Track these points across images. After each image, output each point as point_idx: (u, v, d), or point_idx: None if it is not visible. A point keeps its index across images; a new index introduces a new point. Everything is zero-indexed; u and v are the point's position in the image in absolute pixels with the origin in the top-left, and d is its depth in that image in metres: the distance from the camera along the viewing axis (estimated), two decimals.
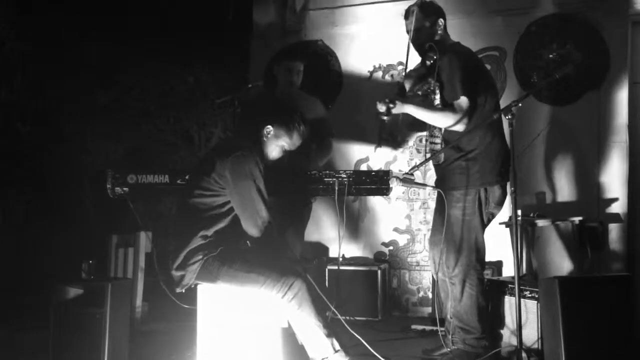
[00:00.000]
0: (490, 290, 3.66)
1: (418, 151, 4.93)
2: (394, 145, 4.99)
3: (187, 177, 3.22)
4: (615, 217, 4.33)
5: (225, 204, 2.91)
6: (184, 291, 2.94)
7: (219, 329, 2.88)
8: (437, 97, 3.29)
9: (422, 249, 4.82)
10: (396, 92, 3.36)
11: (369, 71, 5.11)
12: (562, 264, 4.00)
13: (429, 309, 4.63)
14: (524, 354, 2.83)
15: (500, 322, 3.58)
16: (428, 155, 3.43)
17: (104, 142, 5.41)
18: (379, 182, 3.16)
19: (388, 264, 4.84)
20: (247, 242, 2.96)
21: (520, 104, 2.92)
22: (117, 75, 5.51)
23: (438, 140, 3.40)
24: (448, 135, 3.30)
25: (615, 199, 4.36)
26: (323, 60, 5.21)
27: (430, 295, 4.66)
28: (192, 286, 2.92)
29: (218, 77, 5.55)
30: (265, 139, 3.04)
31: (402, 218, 4.94)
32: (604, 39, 4.46)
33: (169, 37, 5.33)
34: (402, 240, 4.93)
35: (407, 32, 3.44)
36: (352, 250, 4.98)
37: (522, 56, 4.68)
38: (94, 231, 4.56)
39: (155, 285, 3.37)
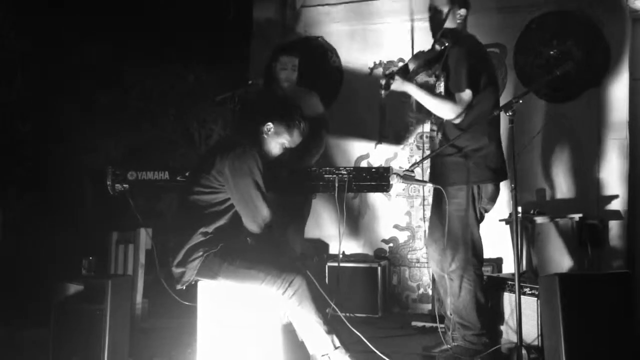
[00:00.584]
0: (490, 287, 3.67)
1: (418, 148, 4.92)
2: (395, 141, 4.99)
3: (187, 174, 3.23)
4: (615, 214, 4.33)
5: (225, 201, 2.91)
6: (184, 288, 2.95)
7: (219, 326, 2.88)
8: (442, 85, 3.29)
9: (422, 246, 4.82)
10: (399, 68, 3.35)
11: (369, 68, 5.11)
12: (562, 261, 3.99)
13: (429, 306, 4.64)
14: (524, 351, 2.83)
15: (500, 319, 3.58)
16: (427, 152, 3.44)
17: (105, 140, 5.41)
18: (379, 178, 3.16)
19: (388, 260, 4.84)
20: (248, 239, 2.97)
21: (520, 101, 2.92)
22: (118, 74, 5.51)
23: (434, 128, 3.41)
24: (448, 128, 3.29)
25: (616, 196, 4.36)
26: (323, 57, 5.21)
27: (430, 292, 4.66)
28: (193, 283, 2.93)
29: (218, 76, 5.54)
30: (265, 136, 3.04)
31: (402, 215, 4.94)
32: (604, 36, 4.46)
33: (170, 36, 5.33)
34: (402, 237, 4.93)
35: (429, 9, 3.41)
36: (352, 247, 4.99)
37: (523, 53, 4.68)
38: (94, 228, 4.56)
39: (155, 282, 3.38)
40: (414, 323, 4.19)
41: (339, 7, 5.19)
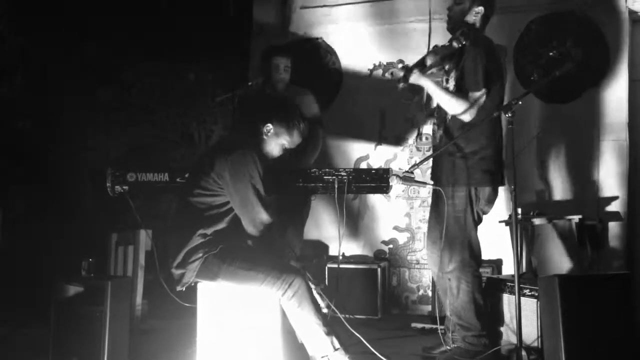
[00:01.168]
0: (490, 289, 3.67)
1: (418, 149, 4.93)
2: (394, 143, 4.99)
3: (186, 175, 3.22)
4: (615, 216, 4.33)
5: (224, 204, 2.90)
6: (184, 289, 2.94)
7: (219, 327, 2.88)
8: (451, 81, 3.29)
9: (421, 247, 4.82)
10: (417, 62, 3.35)
11: (369, 69, 5.11)
12: (561, 262, 3.99)
13: (429, 307, 4.64)
14: (523, 352, 2.83)
15: (500, 320, 3.58)
16: (427, 152, 3.44)
17: (105, 140, 5.41)
18: (379, 180, 3.16)
19: (388, 262, 4.84)
20: (248, 241, 2.96)
21: (520, 102, 2.92)
22: (118, 73, 5.51)
23: (436, 122, 3.41)
24: (452, 126, 3.29)
25: (615, 197, 4.36)
26: (323, 58, 5.21)
27: (430, 293, 4.66)
28: (192, 284, 2.92)
29: (218, 76, 5.54)
30: (265, 137, 3.04)
31: (402, 216, 4.94)
32: (604, 37, 4.47)
33: (170, 35, 5.33)
34: (402, 238, 4.93)
35: (456, 2, 3.41)
36: (352, 248, 4.99)
37: (522, 54, 4.68)
38: (94, 229, 4.56)
39: (155, 283, 3.38)
40: (413, 324, 4.19)
41: (338, 8, 5.19)
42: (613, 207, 4.35)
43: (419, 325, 4.13)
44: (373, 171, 3.23)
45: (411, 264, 4.88)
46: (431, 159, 3.43)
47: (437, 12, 4.73)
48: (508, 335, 3.55)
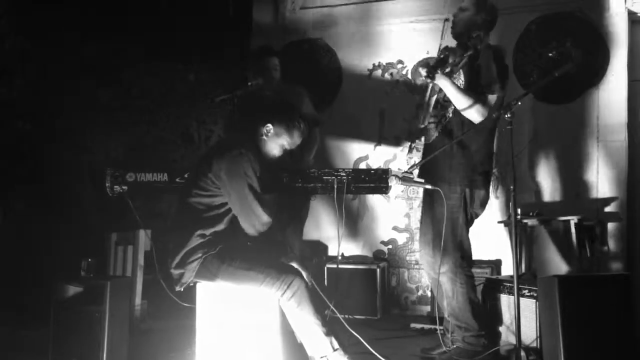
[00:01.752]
0: (489, 289, 3.67)
1: (417, 149, 4.93)
2: (394, 143, 4.99)
3: (186, 175, 3.23)
4: (614, 216, 4.33)
5: (223, 205, 2.91)
6: (182, 289, 2.94)
7: (218, 328, 2.88)
8: (461, 81, 3.30)
9: (422, 247, 4.82)
10: (438, 60, 3.35)
11: (368, 69, 5.12)
12: (560, 263, 4.00)
13: (428, 308, 4.64)
14: (522, 353, 2.83)
15: (499, 321, 3.59)
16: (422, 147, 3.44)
17: (104, 140, 5.41)
18: (378, 180, 3.16)
19: (387, 262, 4.84)
20: (248, 243, 2.96)
21: (519, 103, 2.92)
22: (117, 74, 5.51)
23: (433, 120, 3.41)
24: (452, 124, 3.30)
25: (614, 198, 4.36)
26: (323, 58, 5.21)
27: (429, 293, 4.67)
28: (192, 284, 2.93)
29: (218, 75, 5.54)
30: (265, 137, 3.04)
31: (401, 217, 4.94)
32: (603, 37, 4.47)
33: (169, 36, 5.33)
34: (401, 238, 4.93)
35: (461, 9, 3.43)
36: (351, 248, 4.99)
37: (522, 54, 4.68)
38: (94, 229, 4.56)
39: (154, 284, 3.38)
40: (412, 325, 4.19)
41: (338, 8, 5.20)
42: (612, 207, 4.35)
43: (418, 326, 4.13)
44: (372, 171, 3.22)
45: (410, 264, 4.88)
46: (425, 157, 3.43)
47: (434, 12, 4.74)
48: (507, 336, 3.55)
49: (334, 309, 2.97)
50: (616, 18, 4.45)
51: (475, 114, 3.20)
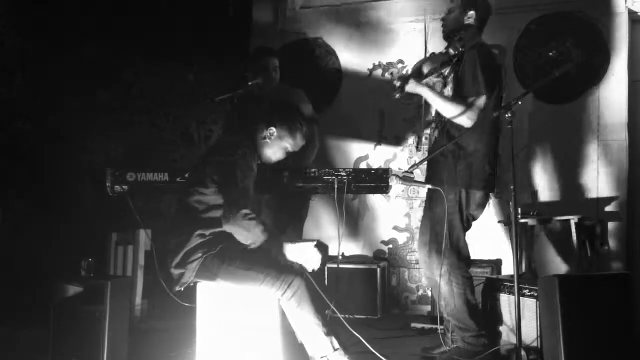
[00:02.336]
0: (489, 289, 3.67)
1: (418, 149, 4.93)
2: (394, 143, 5.00)
3: (186, 175, 3.23)
4: (614, 216, 4.33)
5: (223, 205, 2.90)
6: (183, 289, 2.94)
7: (218, 328, 2.88)
8: (448, 88, 3.29)
9: (421, 248, 4.82)
10: (413, 71, 3.36)
11: (368, 69, 5.12)
12: (561, 262, 4.00)
13: (429, 307, 4.64)
14: (523, 353, 2.83)
15: (500, 321, 3.58)
16: (427, 153, 3.44)
17: (104, 140, 5.40)
18: (378, 180, 3.16)
19: (387, 262, 4.84)
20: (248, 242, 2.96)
21: (520, 102, 2.92)
22: (117, 74, 5.50)
23: (434, 126, 3.41)
24: (451, 128, 3.29)
25: (615, 198, 4.36)
26: (323, 58, 5.21)
27: (429, 293, 4.67)
28: (192, 284, 2.92)
29: (218, 75, 5.54)
30: (268, 140, 3.02)
31: (402, 216, 4.94)
32: (603, 37, 4.47)
33: (169, 36, 5.33)
34: (401, 238, 4.93)
35: (448, 11, 3.42)
36: (351, 248, 4.99)
37: (522, 54, 4.68)
38: (94, 229, 4.55)
39: (155, 284, 3.38)
40: (413, 324, 4.19)
41: (339, 8, 5.20)
42: (612, 207, 4.36)
43: (419, 326, 4.13)
44: (373, 171, 3.23)
45: (411, 264, 4.88)
46: (427, 162, 3.44)
47: (436, 12, 4.74)
48: (507, 336, 3.55)
49: (334, 308, 2.97)
50: (617, 18, 4.45)
51: (464, 119, 3.17)
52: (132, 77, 5.58)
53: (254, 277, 2.81)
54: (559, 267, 3.99)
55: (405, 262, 4.91)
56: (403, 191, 4.93)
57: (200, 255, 2.84)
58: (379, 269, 4.57)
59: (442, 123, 3.34)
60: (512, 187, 2.90)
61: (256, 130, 3.04)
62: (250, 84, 3.84)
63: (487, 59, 3.24)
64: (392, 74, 5.04)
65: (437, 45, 4.09)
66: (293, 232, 3.92)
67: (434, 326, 3.54)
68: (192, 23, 5.38)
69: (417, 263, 4.84)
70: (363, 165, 5.03)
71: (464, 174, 3.23)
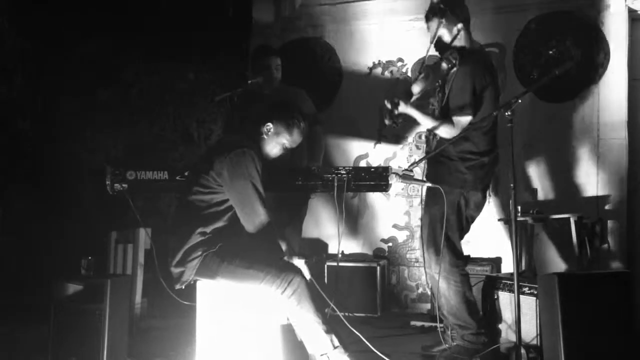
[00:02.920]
0: (489, 287, 3.67)
1: (417, 147, 4.93)
2: (394, 141, 5.00)
3: (186, 173, 3.23)
4: (614, 214, 4.33)
5: (223, 202, 2.90)
6: (183, 288, 2.94)
7: (218, 326, 2.88)
8: (436, 101, 3.32)
9: (421, 246, 4.82)
10: (402, 92, 3.37)
11: (368, 67, 5.12)
12: (560, 260, 4.00)
13: (428, 305, 4.64)
14: (522, 350, 2.83)
15: (499, 318, 3.59)
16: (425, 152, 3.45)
17: (104, 139, 5.41)
18: (378, 178, 3.16)
19: (387, 260, 4.84)
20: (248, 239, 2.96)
21: (519, 101, 2.92)
22: (117, 73, 5.51)
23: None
24: None
25: (615, 196, 4.36)
26: (323, 56, 5.21)
27: (429, 291, 4.66)
28: (192, 282, 2.92)
29: (218, 75, 5.55)
30: (265, 136, 3.03)
31: (401, 214, 4.94)
32: (603, 36, 4.47)
33: (169, 36, 5.33)
34: (401, 236, 4.94)
35: (429, 30, 3.39)
36: (351, 246, 4.99)
37: (522, 53, 4.68)
38: (94, 228, 4.56)
39: (154, 282, 3.37)
40: (413, 322, 4.19)
41: (338, 6, 5.20)
42: (612, 205, 4.36)
43: (419, 324, 4.14)
44: (372, 169, 3.23)
45: (410, 262, 4.89)
46: (426, 163, 3.44)
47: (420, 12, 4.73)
48: (507, 333, 3.56)
49: (334, 306, 2.98)
50: (616, 16, 4.45)
51: (443, 134, 3.22)
52: (132, 77, 5.59)
53: (253, 275, 2.81)
54: (559, 265, 3.99)
55: (404, 260, 4.91)
56: (402, 189, 4.93)
57: (200, 253, 2.85)
58: (378, 267, 4.57)
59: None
60: (511, 185, 2.90)
61: (255, 127, 3.04)
62: (249, 82, 3.84)
63: (477, 71, 3.21)
64: (391, 72, 5.04)
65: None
66: (292, 231, 3.92)
67: (434, 324, 3.54)
68: (192, 23, 5.38)
69: (417, 261, 4.85)
70: (363, 163, 5.02)
71: (464, 174, 3.24)
